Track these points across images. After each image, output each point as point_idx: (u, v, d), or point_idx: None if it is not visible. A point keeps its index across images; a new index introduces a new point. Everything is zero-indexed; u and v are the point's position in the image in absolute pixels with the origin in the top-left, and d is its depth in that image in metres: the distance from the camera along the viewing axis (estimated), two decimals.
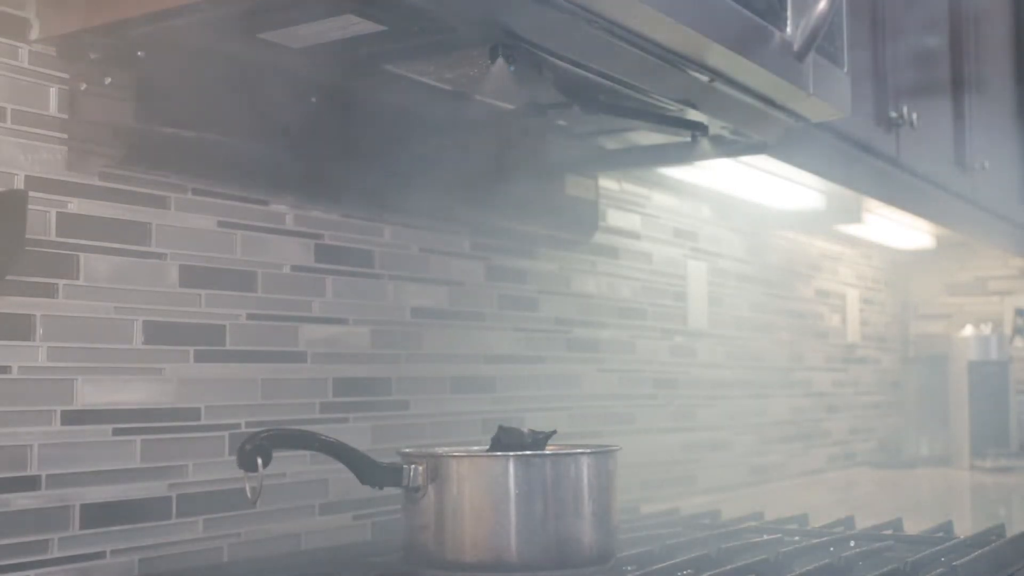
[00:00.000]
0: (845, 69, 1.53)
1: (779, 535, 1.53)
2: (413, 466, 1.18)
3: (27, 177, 1.13)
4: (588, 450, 1.20)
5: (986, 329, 3.10)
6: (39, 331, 1.13)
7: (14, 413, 1.11)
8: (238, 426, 1.32)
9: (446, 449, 1.29)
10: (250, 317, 1.35)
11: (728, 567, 1.23)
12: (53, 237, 1.15)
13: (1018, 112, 3.10)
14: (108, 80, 1.16)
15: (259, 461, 1.08)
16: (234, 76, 1.23)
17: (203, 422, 1.29)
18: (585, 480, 1.18)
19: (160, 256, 1.25)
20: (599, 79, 1.26)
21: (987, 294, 3.39)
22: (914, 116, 2.17)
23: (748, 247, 2.50)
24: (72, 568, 1.15)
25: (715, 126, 1.51)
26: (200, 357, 1.29)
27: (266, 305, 1.37)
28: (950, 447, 3.08)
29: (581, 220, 1.86)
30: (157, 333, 1.24)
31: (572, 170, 1.78)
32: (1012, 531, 1.56)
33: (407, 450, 1.21)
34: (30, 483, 1.12)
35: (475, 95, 1.34)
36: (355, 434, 1.47)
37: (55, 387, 1.14)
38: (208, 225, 1.31)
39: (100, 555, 1.17)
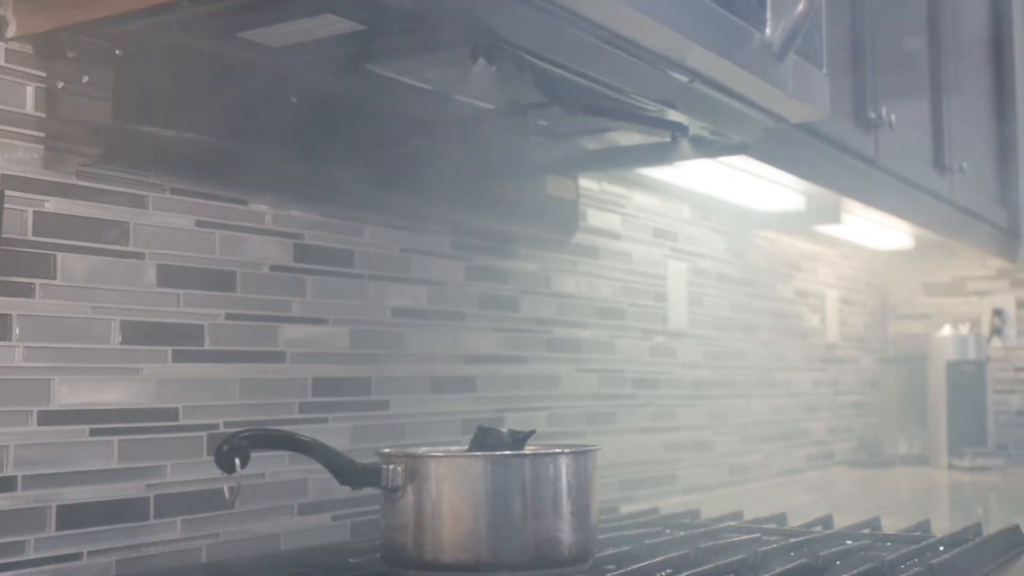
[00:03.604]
0: (824, 70, 1.54)
1: (758, 534, 1.53)
2: (392, 466, 1.17)
3: (3, 176, 1.12)
4: (567, 450, 1.20)
5: (964, 329, 3.11)
6: (15, 331, 1.12)
7: None
8: (216, 426, 1.32)
9: (425, 449, 1.29)
10: (229, 317, 1.34)
11: (707, 567, 1.24)
12: (30, 236, 1.14)
13: (996, 114, 3.12)
14: (86, 78, 1.15)
15: (237, 462, 1.08)
16: (213, 75, 1.22)
17: (181, 422, 1.28)
18: (564, 480, 1.18)
19: (138, 256, 1.25)
20: (579, 79, 1.26)
21: (965, 294, 3.41)
22: (893, 117, 2.18)
23: (728, 247, 2.50)
24: (49, 569, 1.14)
25: (695, 126, 1.51)
26: (178, 357, 1.28)
27: (245, 305, 1.36)
28: (928, 446, 3.10)
29: (561, 220, 1.86)
30: (135, 333, 1.24)
31: (552, 170, 1.79)
32: (989, 530, 1.56)
33: (386, 450, 1.21)
34: (6, 484, 1.11)
35: (456, 95, 1.34)
36: (334, 434, 1.46)
37: (31, 387, 1.14)
38: (186, 224, 1.30)
39: (77, 556, 1.17)
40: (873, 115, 2.13)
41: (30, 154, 1.14)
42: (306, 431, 1.29)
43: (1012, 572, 1.41)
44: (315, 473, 1.36)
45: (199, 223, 1.32)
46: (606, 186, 2.06)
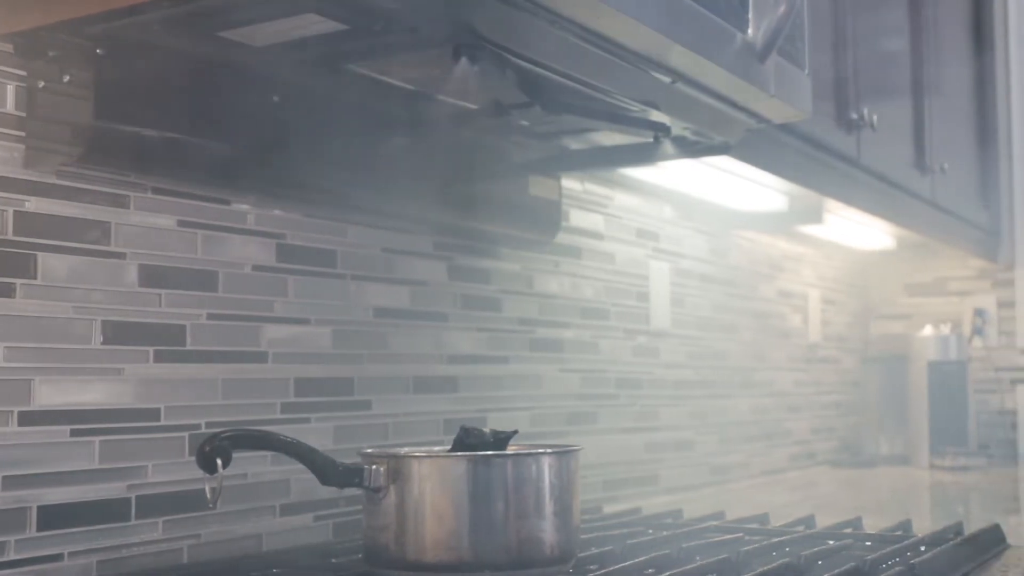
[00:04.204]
0: (806, 71, 1.54)
1: (740, 534, 1.54)
2: (374, 467, 1.17)
3: None
4: (549, 450, 1.20)
5: (945, 329, 3.12)
6: None
7: None
8: (198, 427, 1.31)
9: (407, 449, 1.29)
10: (211, 317, 1.34)
11: (689, 566, 1.24)
12: (10, 236, 1.13)
13: (977, 115, 3.13)
14: (67, 78, 1.15)
15: (219, 462, 1.08)
16: (195, 74, 1.22)
17: (163, 423, 1.28)
18: (547, 480, 1.18)
19: (119, 256, 1.24)
20: (562, 79, 1.26)
21: (946, 294, 3.42)
22: (874, 118, 2.19)
23: (710, 247, 2.51)
24: (30, 571, 1.14)
25: (677, 127, 1.51)
26: (160, 357, 1.28)
27: (227, 305, 1.36)
28: (909, 446, 3.11)
29: (544, 220, 1.86)
30: (116, 333, 1.23)
31: (535, 170, 1.79)
32: (970, 529, 1.57)
33: (368, 451, 1.21)
34: None
35: (438, 95, 1.34)
36: (317, 434, 1.46)
37: (12, 387, 1.13)
38: (168, 224, 1.30)
39: (58, 557, 1.16)
40: (855, 116, 2.14)
41: (10, 153, 1.14)
42: (288, 431, 1.29)
43: (992, 571, 1.42)
44: (297, 473, 1.36)
45: (181, 223, 1.31)
46: (589, 186, 2.06)
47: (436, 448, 1.33)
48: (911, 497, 2.49)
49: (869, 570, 1.25)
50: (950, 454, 3.01)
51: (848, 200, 2.26)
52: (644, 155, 1.66)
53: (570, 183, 1.99)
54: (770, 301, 2.83)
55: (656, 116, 1.46)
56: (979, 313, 3.35)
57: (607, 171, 1.98)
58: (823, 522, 1.68)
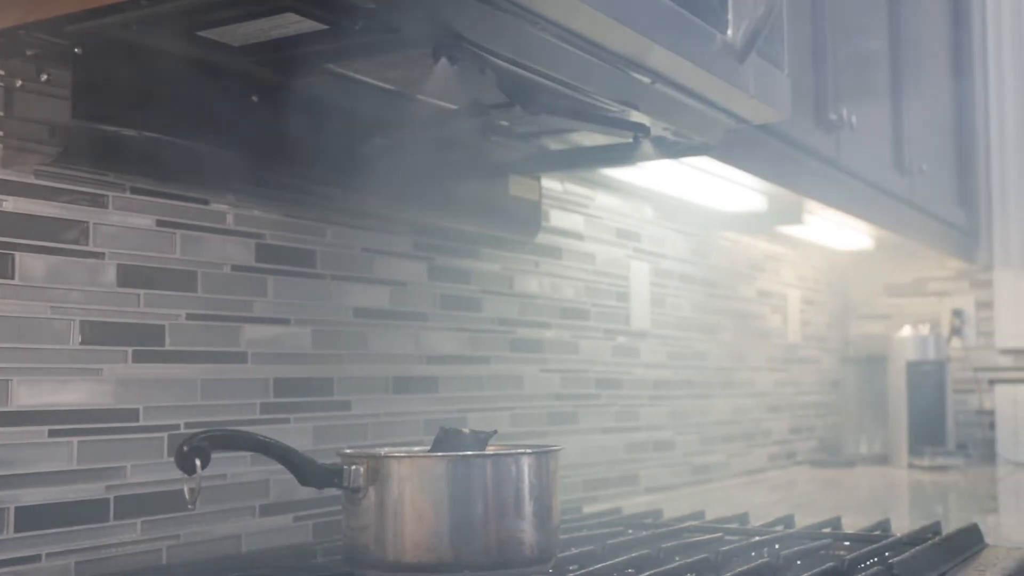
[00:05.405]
0: (785, 71, 1.55)
1: (720, 534, 1.54)
2: (354, 467, 1.17)
3: None
4: (529, 450, 1.20)
5: (924, 329, 3.14)
6: None
7: None
8: (177, 427, 1.31)
9: (387, 450, 1.29)
10: (190, 317, 1.33)
11: (669, 566, 1.24)
12: None
13: (956, 115, 3.15)
14: (44, 77, 1.14)
15: (198, 463, 1.07)
16: (173, 74, 1.22)
17: (141, 423, 1.27)
18: (526, 480, 1.18)
19: (98, 255, 1.24)
20: (541, 80, 1.26)
21: (925, 295, 3.44)
22: (853, 119, 2.19)
23: (691, 248, 2.51)
24: (7, 572, 1.13)
25: (657, 127, 1.51)
26: (139, 357, 1.27)
27: (206, 305, 1.36)
28: (888, 446, 3.12)
29: (524, 220, 1.86)
30: (94, 333, 1.23)
31: (515, 170, 1.79)
32: (948, 529, 1.58)
33: (348, 451, 1.21)
34: None
35: (417, 95, 1.34)
36: (296, 435, 1.46)
37: None
38: (147, 224, 1.29)
39: (35, 558, 1.16)
40: (834, 116, 2.15)
41: None
42: (268, 432, 1.29)
43: (970, 570, 1.43)
44: (277, 474, 1.36)
45: (160, 223, 1.31)
46: (569, 186, 2.07)
47: (416, 448, 1.33)
48: (890, 497, 2.50)
49: (848, 569, 1.26)
50: (929, 454, 3.03)
51: (828, 201, 2.27)
52: (624, 155, 1.66)
53: (550, 183, 1.99)
54: (750, 301, 2.84)
55: (636, 116, 1.46)
56: (957, 313, 3.37)
57: (587, 171, 1.99)
58: (802, 522, 1.68)
